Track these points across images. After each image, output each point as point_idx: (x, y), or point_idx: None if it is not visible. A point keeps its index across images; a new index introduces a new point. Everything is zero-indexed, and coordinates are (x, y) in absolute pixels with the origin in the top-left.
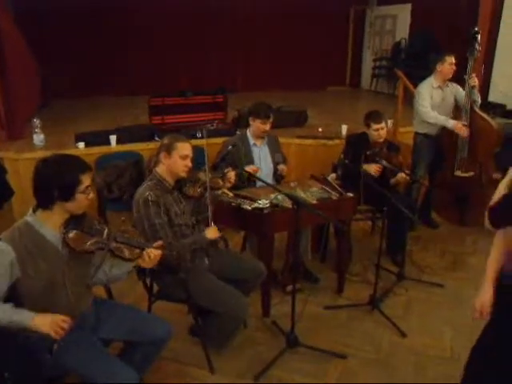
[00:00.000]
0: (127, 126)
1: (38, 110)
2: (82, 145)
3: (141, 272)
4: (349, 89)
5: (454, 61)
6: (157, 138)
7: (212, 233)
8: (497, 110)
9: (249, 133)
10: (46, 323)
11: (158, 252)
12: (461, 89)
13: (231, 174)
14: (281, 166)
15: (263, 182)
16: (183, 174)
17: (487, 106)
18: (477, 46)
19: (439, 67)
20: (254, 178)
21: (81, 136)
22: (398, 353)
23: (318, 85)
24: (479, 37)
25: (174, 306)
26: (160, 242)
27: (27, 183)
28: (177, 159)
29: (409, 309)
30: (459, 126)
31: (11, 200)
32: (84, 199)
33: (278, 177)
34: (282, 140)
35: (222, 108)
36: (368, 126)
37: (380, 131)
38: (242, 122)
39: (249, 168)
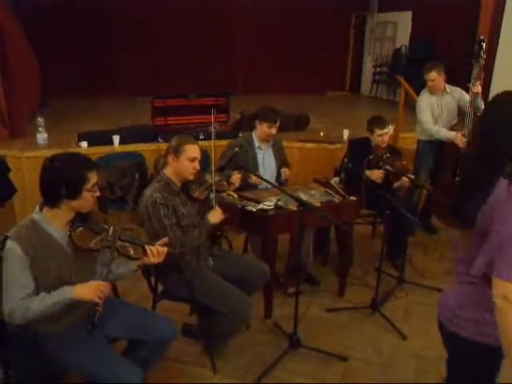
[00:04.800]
0: (130, 126)
1: (38, 109)
2: (84, 144)
3: (146, 270)
4: (349, 94)
5: (430, 77)
6: (160, 140)
7: (216, 216)
8: None
9: (254, 135)
10: (89, 290)
11: (163, 248)
12: (466, 94)
13: (237, 177)
14: (284, 169)
15: (271, 184)
16: (191, 177)
17: None
18: (482, 54)
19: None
20: (262, 181)
21: (84, 135)
22: (399, 355)
23: (318, 89)
24: (484, 45)
25: (177, 305)
26: (165, 239)
27: (29, 181)
28: (185, 162)
29: (409, 312)
30: (459, 137)
31: (13, 198)
32: (90, 197)
33: (282, 179)
34: (283, 144)
35: (225, 110)
36: (371, 131)
37: (384, 136)
38: (244, 125)
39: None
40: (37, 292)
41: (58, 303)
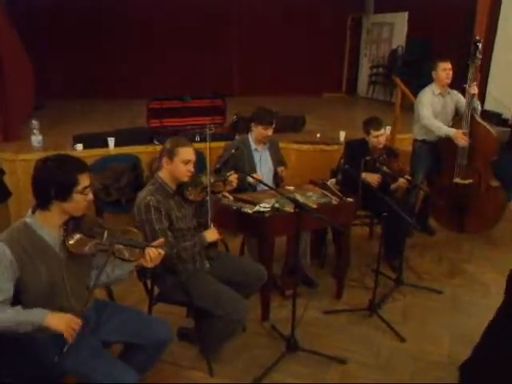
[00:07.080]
0: (126, 128)
1: (33, 112)
2: (79, 147)
3: (142, 274)
4: (345, 95)
5: (449, 66)
6: (156, 142)
7: (211, 235)
8: (492, 118)
9: (250, 137)
10: (61, 323)
11: (160, 251)
12: (462, 97)
13: (233, 178)
14: (280, 168)
15: (268, 186)
16: (186, 179)
17: (483, 114)
18: (478, 55)
19: (434, 74)
20: (260, 183)
21: (79, 138)
22: (397, 358)
23: (314, 91)
24: (480, 45)
25: (173, 308)
26: (160, 240)
27: (24, 184)
28: (179, 164)
29: (407, 314)
30: (460, 135)
31: (7, 201)
32: (82, 200)
33: (278, 180)
34: (280, 145)
35: (221, 112)
36: (367, 132)
37: (380, 138)
38: (240, 127)
39: (255, 175)
40: (18, 299)
41: (30, 323)
